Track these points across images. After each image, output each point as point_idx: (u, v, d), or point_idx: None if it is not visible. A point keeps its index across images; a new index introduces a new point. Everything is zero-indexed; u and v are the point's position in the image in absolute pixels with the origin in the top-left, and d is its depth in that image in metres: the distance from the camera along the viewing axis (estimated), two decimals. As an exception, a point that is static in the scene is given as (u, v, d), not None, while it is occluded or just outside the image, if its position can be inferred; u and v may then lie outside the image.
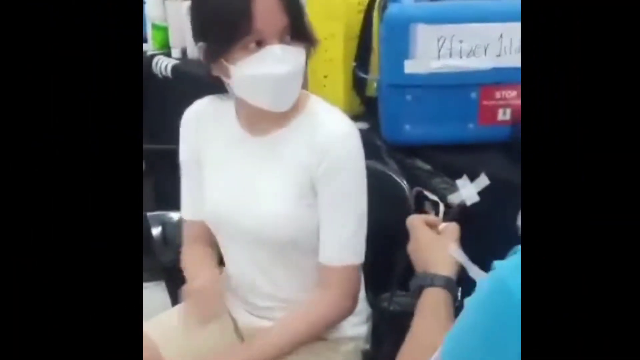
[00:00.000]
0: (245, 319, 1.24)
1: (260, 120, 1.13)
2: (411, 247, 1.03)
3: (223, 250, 1.25)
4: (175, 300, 1.63)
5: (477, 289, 0.66)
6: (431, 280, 0.94)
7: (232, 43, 1.00)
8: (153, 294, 1.77)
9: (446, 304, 0.91)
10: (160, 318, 1.30)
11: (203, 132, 1.19)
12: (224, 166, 1.16)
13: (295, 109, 1.11)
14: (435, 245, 1.00)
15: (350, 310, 1.13)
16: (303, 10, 1.04)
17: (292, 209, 1.10)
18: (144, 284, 1.95)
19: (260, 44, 1.01)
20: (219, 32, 1.01)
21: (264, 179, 1.12)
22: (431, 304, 0.91)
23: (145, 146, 1.51)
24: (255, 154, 1.14)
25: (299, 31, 1.02)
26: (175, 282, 1.74)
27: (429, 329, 0.88)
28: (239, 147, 1.15)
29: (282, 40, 1.01)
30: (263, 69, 1.01)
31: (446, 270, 0.95)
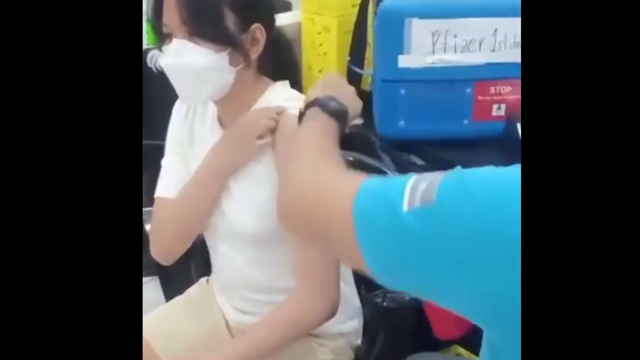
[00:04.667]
0: (236, 318, 1.24)
1: (224, 114, 1.14)
2: (332, 79, 1.06)
3: (212, 252, 1.24)
4: (168, 295, 1.63)
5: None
6: (344, 110, 0.93)
7: (156, 34, 1.08)
8: (147, 290, 1.77)
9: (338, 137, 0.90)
10: (153, 314, 1.29)
11: (191, 121, 1.19)
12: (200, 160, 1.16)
13: (251, 102, 1.11)
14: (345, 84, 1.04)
15: (330, 311, 1.10)
16: (207, 8, 1.01)
17: (264, 204, 1.09)
18: (138, 280, 1.94)
19: (170, 36, 1.04)
20: (151, 24, 1.10)
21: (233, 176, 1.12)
22: (327, 129, 0.89)
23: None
24: None
25: (199, 29, 1.01)
26: (168, 278, 1.74)
27: (324, 145, 0.85)
28: (213, 142, 1.15)
29: (185, 35, 1.02)
30: (164, 60, 1.05)
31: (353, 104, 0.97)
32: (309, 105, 0.93)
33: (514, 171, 0.58)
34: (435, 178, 0.60)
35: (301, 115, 0.94)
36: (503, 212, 0.55)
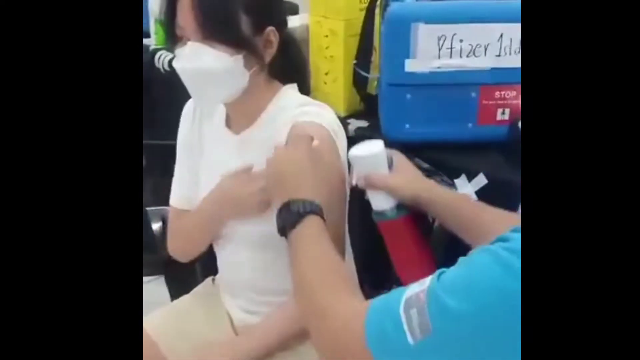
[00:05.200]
0: (241, 317, 1.25)
1: (234, 117, 1.15)
2: (281, 166, 0.95)
3: (218, 255, 1.26)
4: (174, 295, 1.64)
5: (490, 248, 0.65)
6: (310, 207, 0.88)
7: (169, 36, 1.08)
8: (153, 288, 1.78)
9: (324, 230, 0.87)
10: (159, 312, 1.31)
11: (199, 124, 1.21)
12: (211, 164, 1.17)
13: (262, 105, 1.12)
14: (312, 168, 0.94)
15: None
16: (223, 12, 1.01)
17: (268, 211, 1.09)
18: (144, 279, 1.97)
19: (183, 39, 1.05)
20: (163, 25, 1.10)
21: None
22: (315, 233, 0.86)
23: (146, 141, 1.53)
24: (232, 153, 1.15)
25: (215, 33, 1.01)
26: (174, 277, 1.75)
27: (317, 258, 0.84)
28: (222, 144, 1.16)
29: (200, 39, 1.02)
30: (177, 63, 1.06)
31: (319, 196, 0.90)
32: (280, 216, 0.90)
33: (481, 261, 0.64)
34: (420, 301, 0.66)
35: (279, 217, 0.91)
36: (487, 309, 0.61)
